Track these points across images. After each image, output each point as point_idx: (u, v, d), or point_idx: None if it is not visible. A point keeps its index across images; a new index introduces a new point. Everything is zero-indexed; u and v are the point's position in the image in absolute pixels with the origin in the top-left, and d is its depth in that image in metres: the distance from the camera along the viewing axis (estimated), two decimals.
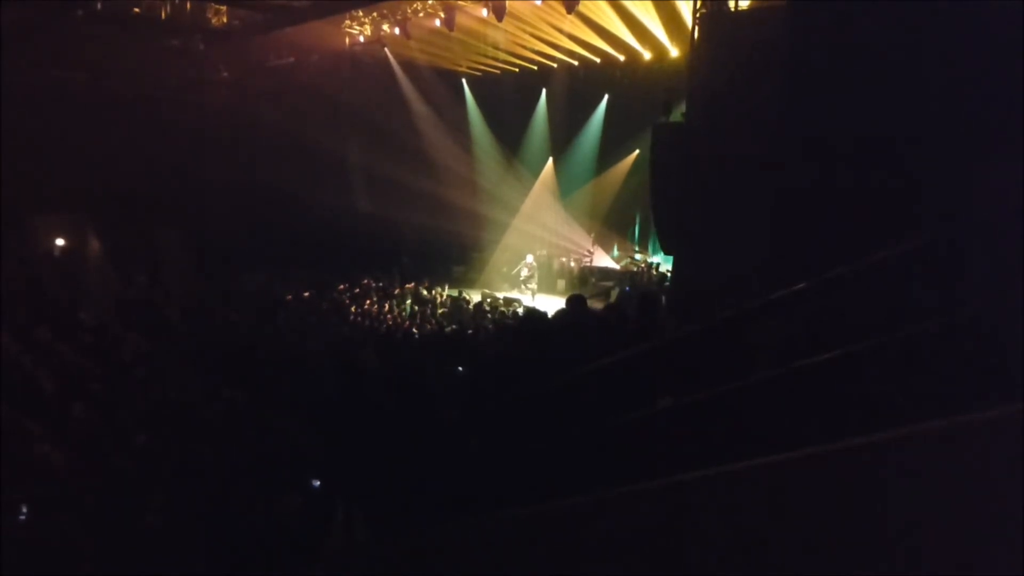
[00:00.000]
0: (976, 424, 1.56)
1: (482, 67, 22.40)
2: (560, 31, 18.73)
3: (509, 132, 23.91)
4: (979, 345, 2.23)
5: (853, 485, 1.76)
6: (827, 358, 2.67)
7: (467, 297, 17.78)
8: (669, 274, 17.48)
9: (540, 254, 21.81)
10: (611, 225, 23.97)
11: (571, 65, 20.91)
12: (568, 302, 6.09)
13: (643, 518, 2.42)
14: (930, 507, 1.56)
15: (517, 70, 21.83)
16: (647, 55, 18.73)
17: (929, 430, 1.64)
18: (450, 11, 18.34)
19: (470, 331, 12.29)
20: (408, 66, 22.80)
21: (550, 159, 24.26)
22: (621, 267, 22.74)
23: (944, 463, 1.57)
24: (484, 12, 17.97)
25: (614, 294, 19.00)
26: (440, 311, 16.44)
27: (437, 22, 18.79)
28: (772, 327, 3.63)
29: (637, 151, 22.17)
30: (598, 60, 20.04)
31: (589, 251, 22.74)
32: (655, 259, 21.39)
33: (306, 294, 16.31)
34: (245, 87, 21.51)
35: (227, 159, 19.21)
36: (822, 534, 1.78)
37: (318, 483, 4.40)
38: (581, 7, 16.73)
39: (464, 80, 23.88)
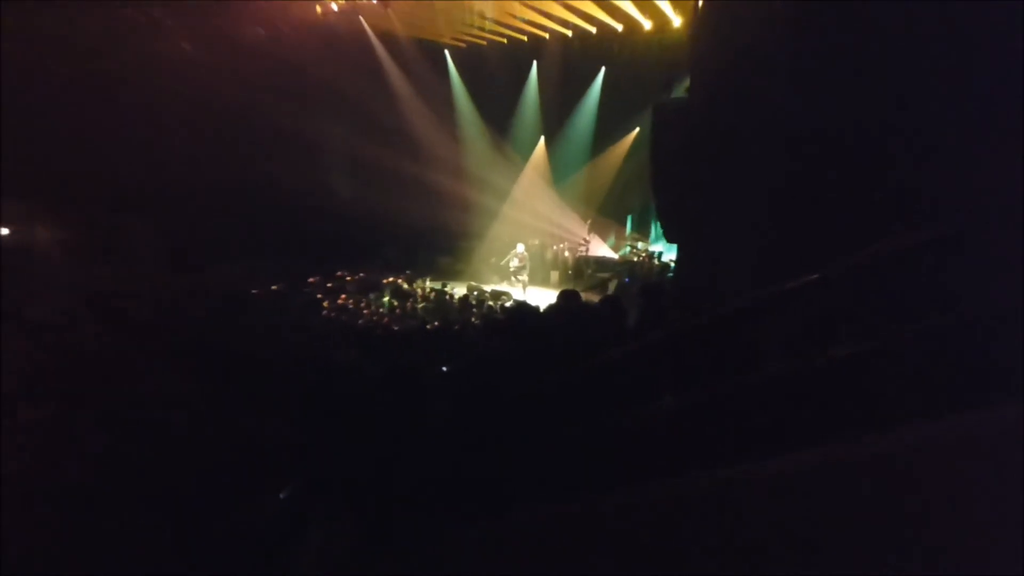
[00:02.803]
0: (980, 426, 1.64)
1: (467, 38, 22.41)
2: None
3: (497, 110, 23.95)
4: (987, 341, 2.32)
5: (854, 490, 1.84)
6: (838, 354, 2.75)
7: (450, 291, 17.85)
8: (672, 264, 17.63)
9: (532, 243, 21.87)
10: (609, 211, 24.08)
11: (564, 36, 20.95)
12: (560, 297, 6.17)
13: (641, 522, 2.49)
14: (932, 512, 1.65)
15: (505, 41, 21.85)
16: (647, 24, 18.79)
17: (931, 433, 1.72)
18: None
19: (456, 327, 12.34)
20: (386, 38, 22.81)
21: (542, 139, 24.32)
22: (620, 257, 22.86)
23: (946, 467, 1.66)
24: None
25: (612, 286, 19.09)
26: (422, 305, 16.48)
27: None
28: (781, 321, 3.71)
29: (637, 129, 22.30)
30: (594, 30, 20.08)
31: (585, 240, 22.83)
32: (657, 248, 21.51)
33: (274, 287, 16.32)
34: (209, 62, 21.44)
35: (192, 142, 19.18)
36: (823, 539, 1.87)
37: (294, 488, 4.46)
38: None
39: (447, 52, 23.88)
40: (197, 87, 19.77)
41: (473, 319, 13.96)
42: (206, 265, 17.77)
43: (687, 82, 10.06)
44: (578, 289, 10.98)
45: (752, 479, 2.12)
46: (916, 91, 4.15)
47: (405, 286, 18.27)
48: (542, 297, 17.67)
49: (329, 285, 17.44)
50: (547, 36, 21.17)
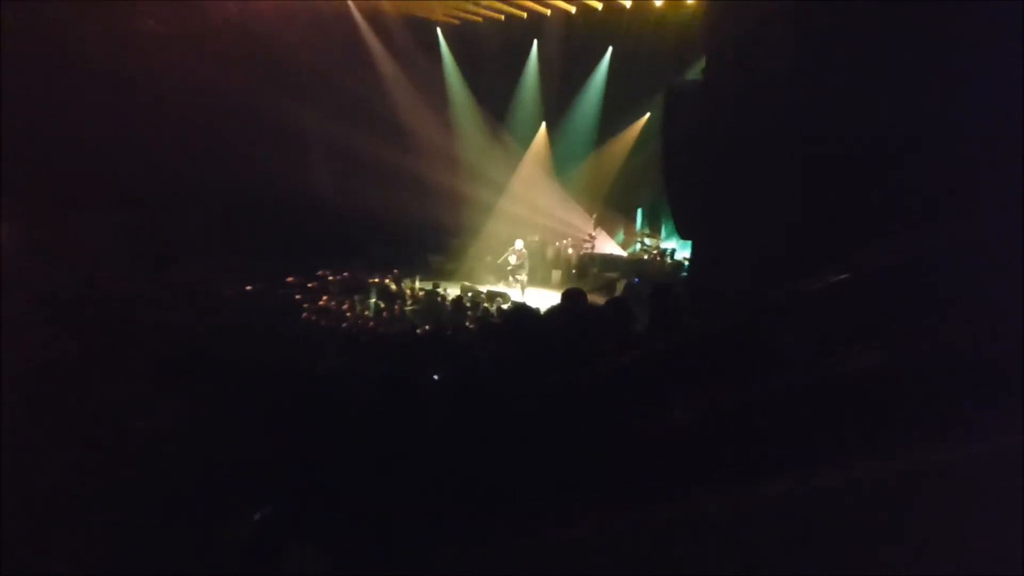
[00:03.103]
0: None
1: (461, 14, 22.38)
2: None
3: (494, 93, 23.90)
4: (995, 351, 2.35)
5: (866, 515, 1.89)
6: (866, 362, 2.76)
7: (442, 292, 17.85)
8: (687, 263, 17.65)
9: (531, 240, 21.85)
10: (617, 204, 24.05)
11: (567, 11, 20.93)
12: (564, 297, 6.16)
13: (647, 544, 2.50)
14: (944, 535, 1.69)
15: (503, 18, 21.82)
16: None
17: (939, 462, 1.77)
18: None
19: (449, 331, 12.35)
20: (373, 16, 22.74)
21: (543, 126, 24.30)
22: (629, 255, 22.85)
23: (954, 494, 1.70)
24: None
25: (620, 287, 19.11)
26: (410, 307, 16.48)
27: None
28: (803, 326, 3.72)
29: (648, 115, 22.28)
30: (600, 5, 20.08)
31: (590, 235, 22.83)
32: (670, 245, 21.52)
33: (248, 287, 16.31)
34: (178, 43, 21.37)
35: (159, 130, 19.08)
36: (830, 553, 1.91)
37: (268, 510, 4.47)
38: None
39: (439, 30, 23.84)
40: (164, 69, 19.69)
41: (467, 323, 13.96)
42: (174, 263, 17.72)
43: (703, 62, 10.05)
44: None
45: (761, 499, 2.14)
46: (930, 89, 4.20)
47: (393, 287, 18.26)
48: (542, 299, 17.66)
49: (310, 285, 17.43)
50: (548, 12, 21.14)
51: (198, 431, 5.68)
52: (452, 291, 18.30)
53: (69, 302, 9.73)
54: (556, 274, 21.79)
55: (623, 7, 19.68)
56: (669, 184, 10.19)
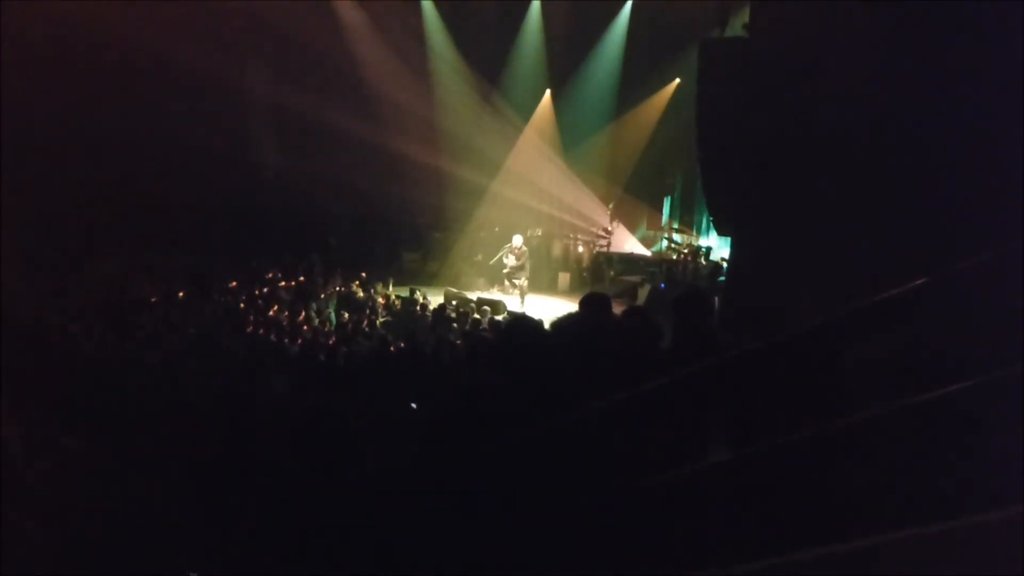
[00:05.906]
0: None
1: None
2: None
3: (486, 52, 23.84)
4: None
5: None
6: (959, 388, 2.70)
7: (421, 299, 17.80)
8: (725, 264, 17.63)
9: (533, 235, 21.80)
10: (639, 191, 24.04)
11: None
12: (584, 304, 6.09)
13: None
14: None
15: None
16: None
17: None
18: None
19: (429, 350, 12.32)
20: None
21: (547, 92, 24.26)
22: (653, 254, 22.83)
23: None
24: None
25: (643, 293, 19.09)
26: (382, 319, 16.44)
27: None
28: (877, 344, 3.67)
29: (678, 80, 22.26)
30: None
31: (606, 230, 22.80)
32: (705, 242, 21.51)
33: (181, 293, 16.26)
34: None
35: (66, 92, 18.88)
36: None
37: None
38: None
39: None
40: (71, 16, 19.39)
41: (452, 338, 13.93)
42: (82, 263, 17.60)
43: (746, 14, 10.03)
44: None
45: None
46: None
47: (359, 293, 18.22)
48: (547, 308, 17.61)
49: (257, 292, 17.37)
50: None
51: (104, 476, 5.63)
52: (433, 299, 18.24)
53: None
54: (563, 277, 21.76)
55: None
56: (704, 167, 10.17)
